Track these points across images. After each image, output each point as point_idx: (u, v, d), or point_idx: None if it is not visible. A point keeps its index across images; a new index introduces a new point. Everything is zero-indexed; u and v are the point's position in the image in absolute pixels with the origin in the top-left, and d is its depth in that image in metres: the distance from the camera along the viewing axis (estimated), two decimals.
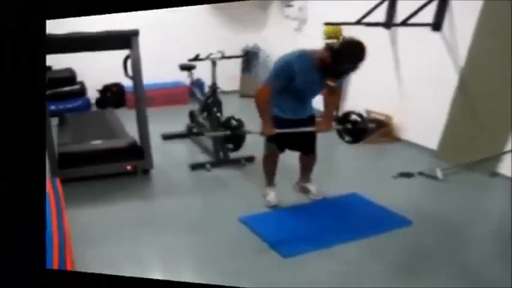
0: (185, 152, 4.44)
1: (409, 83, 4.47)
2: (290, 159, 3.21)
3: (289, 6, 5.74)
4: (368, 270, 2.42)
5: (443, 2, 4.01)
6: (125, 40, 3.54)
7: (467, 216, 3.01)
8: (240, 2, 6.34)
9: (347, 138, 3.12)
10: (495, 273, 2.38)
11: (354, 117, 3.05)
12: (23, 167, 1.34)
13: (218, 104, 4.04)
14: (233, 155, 3.93)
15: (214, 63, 4.12)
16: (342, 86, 2.96)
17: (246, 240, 2.71)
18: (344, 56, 2.53)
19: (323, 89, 2.91)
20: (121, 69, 5.60)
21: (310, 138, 3.08)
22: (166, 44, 6.19)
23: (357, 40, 2.59)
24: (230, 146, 3.07)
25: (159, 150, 4.04)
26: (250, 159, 3.94)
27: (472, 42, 3.79)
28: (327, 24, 4.58)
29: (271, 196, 3.17)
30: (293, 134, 2.91)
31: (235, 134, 2.94)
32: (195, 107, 4.57)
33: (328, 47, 2.60)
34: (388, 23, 4.47)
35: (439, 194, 3.40)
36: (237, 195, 3.38)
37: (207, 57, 4.15)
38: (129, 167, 3.66)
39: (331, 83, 2.76)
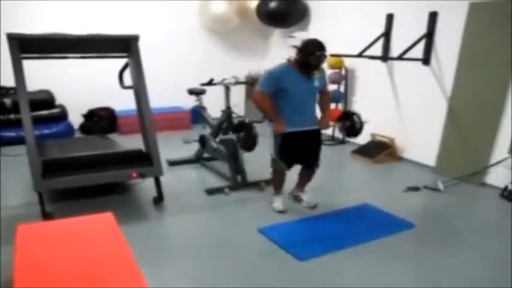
0: (196, 177, 4.35)
1: (407, 109, 4.92)
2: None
3: (291, 37, 6.01)
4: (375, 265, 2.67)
5: (429, 42, 4.54)
6: (124, 45, 3.46)
7: (463, 219, 3.47)
8: (242, 31, 6.55)
9: (347, 133, 3.62)
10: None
11: (351, 115, 3.55)
12: None
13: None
14: (252, 178, 3.97)
15: (228, 88, 4.16)
16: (328, 89, 3.49)
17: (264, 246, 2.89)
18: (309, 48, 3.07)
19: (314, 93, 3.27)
20: (109, 94, 5.53)
21: (316, 155, 3.43)
22: (165, 70, 6.17)
23: (315, 38, 3.15)
24: (245, 146, 3.34)
25: (168, 176, 3.89)
26: (269, 181, 3.94)
27: (455, 74, 4.34)
28: (331, 55, 4.87)
29: (278, 203, 3.48)
30: (301, 151, 3.29)
31: (249, 134, 3.26)
32: (195, 132, 4.52)
33: (296, 48, 3.09)
34: (385, 57, 4.89)
35: (441, 202, 3.81)
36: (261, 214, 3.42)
37: (221, 82, 4.20)
38: (134, 175, 3.32)
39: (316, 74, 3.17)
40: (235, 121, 3.37)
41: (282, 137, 3.21)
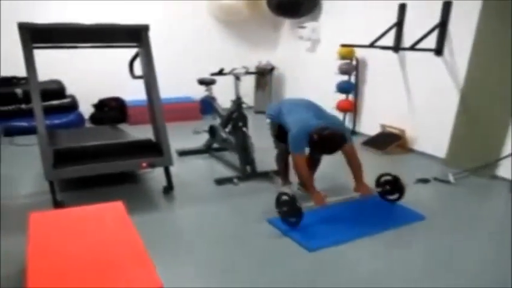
0: (205, 167, 4.36)
1: (417, 100, 4.87)
2: None
3: (302, 27, 5.95)
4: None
5: (442, 32, 4.45)
6: (134, 35, 3.45)
7: (474, 212, 3.43)
8: (251, 21, 6.53)
9: (390, 197, 3.43)
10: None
11: (388, 178, 3.40)
12: None
13: (243, 118, 4.03)
14: (261, 168, 3.97)
15: (238, 78, 4.14)
16: (352, 143, 3.28)
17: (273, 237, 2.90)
18: (320, 146, 3.04)
19: None
20: (119, 84, 5.55)
21: None
22: (176, 60, 6.17)
23: (333, 137, 2.99)
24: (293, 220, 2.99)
25: (177, 166, 3.88)
26: (278, 172, 3.95)
27: (468, 65, 4.25)
28: (342, 46, 4.82)
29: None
30: None
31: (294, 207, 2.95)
32: (205, 122, 4.50)
33: (317, 135, 2.97)
34: (396, 47, 4.82)
35: (452, 194, 3.78)
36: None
37: (231, 72, 4.18)
38: (144, 164, 3.32)
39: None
40: (279, 196, 3.12)
41: (278, 125, 3.34)
